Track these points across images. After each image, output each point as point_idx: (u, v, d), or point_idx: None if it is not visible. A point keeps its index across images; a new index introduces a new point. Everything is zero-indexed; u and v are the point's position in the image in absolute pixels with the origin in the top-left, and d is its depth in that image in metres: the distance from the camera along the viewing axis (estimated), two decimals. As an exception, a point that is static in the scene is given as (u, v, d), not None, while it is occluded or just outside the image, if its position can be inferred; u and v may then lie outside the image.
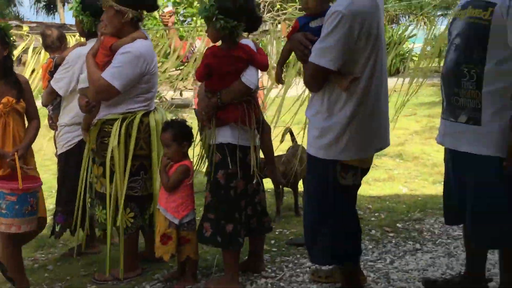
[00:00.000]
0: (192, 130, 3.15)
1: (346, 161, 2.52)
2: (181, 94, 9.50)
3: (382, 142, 2.63)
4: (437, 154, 6.71)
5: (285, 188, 4.44)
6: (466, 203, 2.58)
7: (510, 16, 2.31)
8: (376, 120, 2.56)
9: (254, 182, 3.00)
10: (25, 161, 3.09)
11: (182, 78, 5.10)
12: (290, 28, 2.86)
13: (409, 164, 6.28)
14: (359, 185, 2.69)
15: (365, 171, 2.70)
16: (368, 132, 2.53)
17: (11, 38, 3.09)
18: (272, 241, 3.79)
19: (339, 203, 2.59)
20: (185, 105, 9.98)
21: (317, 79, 2.49)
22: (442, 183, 5.35)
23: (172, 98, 8.54)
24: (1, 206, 2.93)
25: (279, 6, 21.51)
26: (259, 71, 3.03)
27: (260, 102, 3.87)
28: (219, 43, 3.00)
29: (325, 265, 3.05)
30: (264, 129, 3.08)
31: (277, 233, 3.97)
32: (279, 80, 2.85)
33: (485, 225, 2.55)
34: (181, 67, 7.00)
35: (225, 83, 2.87)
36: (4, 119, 3.01)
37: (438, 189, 5.16)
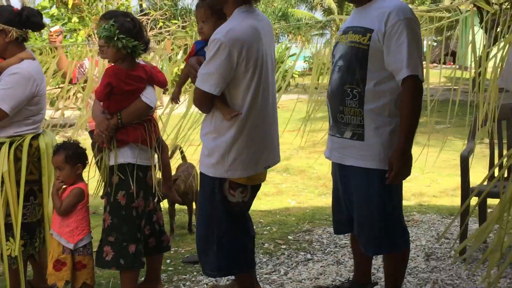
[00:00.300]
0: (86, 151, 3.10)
1: (232, 179, 2.63)
2: (63, 114, 9.16)
3: (270, 160, 2.75)
4: (321, 167, 7.06)
5: (180, 206, 4.47)
6: (353, 213, 2.78)
7: (386, 42, 2.55)
8: (262, 140, 2.68)
9: (155, 200, 3.03)
10: None
11: (63, 97, 4.95)
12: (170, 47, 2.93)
13: (296, 178, 6.55)
14: (250, 201, 2.79)
15: (256, 187, 2.82)
16: (254, 151, 2.64)
17: None
18: (168, 260, 3.79)
19: (227, 219, 2.70)
20: (65, 125, 9.63)
21: (203, 102, 2.61)
22: (328, 195, 5.69)
23: (51, 118, 8.22)
24: None
25: (161, 24, 21.21)
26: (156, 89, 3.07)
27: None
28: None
29: (215, 277, 3.16)
30: (162, 148, 3.11)
31: (172, 252, 3.97)
32: (174, 99, 2.93)
33: (369, 233, 2.76)
34: (61, 85, 6.76)
35: (125, 103, 2.87)
36: None
37: (324, 201, 5.45)
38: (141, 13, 20.84)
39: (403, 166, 2.58)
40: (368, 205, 2.70)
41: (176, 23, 20.36)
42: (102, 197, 3.02)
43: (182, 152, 4.47)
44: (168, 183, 3.27)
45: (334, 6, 27.00)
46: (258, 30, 2.58)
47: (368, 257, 3.06)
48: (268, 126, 2.71)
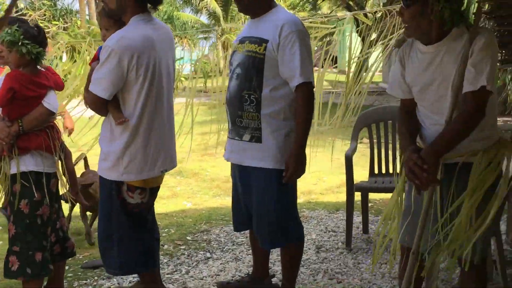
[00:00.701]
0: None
1: (131, 182, 2.71)
2: None
3: (166, 164, 2.82)
4: (213, 169, 7.26)
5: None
6: (252, 210, 2.98)
7: (280, 52, 2.77)
8: (157, 144, 2.75)
9: (57, 207, 3.02)
10: None
11: None
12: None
13: (190, 180, 6.67)
14: (150, 201, 2.87)
15: (155, 190, 2.90)
16: (149, 155, 2.71)
17: None
18: (67, 267, 3.75)
19: (126, 220, 2.77)
20: None
21: (97, 106, 2.69)
22: (222, 196, 5.87)
23: None
24: None
25: (41, 25, 20.42)
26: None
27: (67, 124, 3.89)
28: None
29: (117, 275, 3.28)
30: (66, 154, 3.10)
31: (70, 258, 3.93)
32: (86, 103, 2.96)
33: (266, 228, 2.97)
34: None
35: (26, 110, 2.84)
36: None
37: (219, 202, 5.63)
38: (18, 14, 19.86)
39: (299, 165, 2.81)
40: (266, 203, 2.90)
41: (56, 24, 19.64)
42: (2, 208, 2.96)
43: (85, 160, 4.44)
44: (74, 188, 3.26)
45: (219, 10, 27.32)
46: (151, 38, 2.66)
47: (266, 252, 3.27)
48: (163, 131, 2.78)
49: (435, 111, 2.36)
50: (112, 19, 2.75)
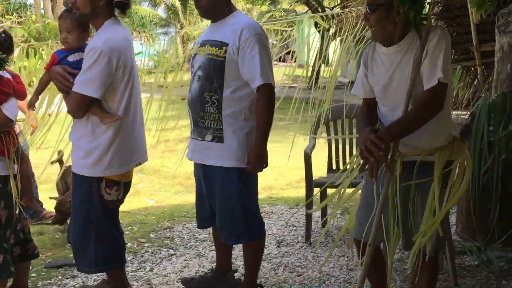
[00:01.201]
0: None
1: (109, 176, 2.84)
2: None
3: (141, 157, 3.01)
4: (174, 166, 7.28)
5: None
6: (215, 208, 3.07)
7: (240, 54, 2.86)
8: (134, 138, 2.93)
9: (16, 211, 3.03)
10: None
11: None
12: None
13: (152, 177, 6.71)
14: (122, 200, 3.00)
15: (127, 185, 3.02)
16: (128, 149, 2.89)
17: None
18: (30, 267, 3.77)
19: (104, 216, 2.90)
20: None
21: (82, 107, 2.76)
22: (184, 193, 5.94)
23: None
24: None
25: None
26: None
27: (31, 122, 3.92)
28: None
29: (91, 273, 3.34)
30: (22, 159, 3.11)
31: (32, 260, 3.94)
32: (31, 106, 3.06)
33: (229, 225, 3.07)
34: None
35: None
36: None
37: (181, 199, 5.70)
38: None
39: (259, 159, 2.94)
40: (229, 199, 3.01)
41: (10, 19, 19.22)
42: None
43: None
44: (28, 193, 3.26)
45: (178, 4, 27.18)
46: (128, 39, 2.85)
47: (229, 247, 3.37)
48: (138, 127, 2.96)
49: (395, 108, 2.52)
50: (77, 22, 2.82)
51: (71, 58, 2.87)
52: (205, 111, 2.96)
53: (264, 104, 2.90)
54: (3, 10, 19.66)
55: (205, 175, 3.09)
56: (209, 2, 2.90)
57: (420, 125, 2.43)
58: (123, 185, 2.94)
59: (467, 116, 4.25)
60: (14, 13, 19.88)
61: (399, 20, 2.42)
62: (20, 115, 3.84)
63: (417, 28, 2.45)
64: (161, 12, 30.05)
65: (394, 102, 2.52)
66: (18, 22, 17.36)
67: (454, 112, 9.67)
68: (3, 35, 2.92)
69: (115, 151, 2.83)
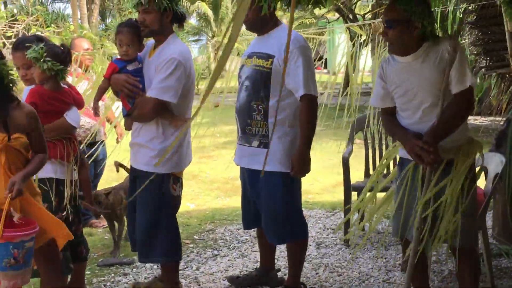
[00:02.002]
0: None
1: (176, 173, 3.14)
2: None
3: (191, 156, 3.34)
4: (212, 171, 7.54)
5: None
6: (261, 210, 3.26)
7: (287, 66, 3.04)
8: (189, 139, 3.29)
9: (63, 214, 3.21)
10: (23, 199, 2.63)
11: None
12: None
13: (191, 182, 6.92)
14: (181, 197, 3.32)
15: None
16: (187, 149, 3.23)
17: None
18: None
19: (171, 210, 3.22)
20: None
21: (158, 112, 3.06)
22: (223, 197, 6.14)
23: None
24: None
25: (35, 30, 20.48)
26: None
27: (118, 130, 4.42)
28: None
29: (161, 263, 3.40)
30: (82, 164, 3.34)
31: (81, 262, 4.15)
32: (95, 113, 3.26)
33: (275, 226, 3.25)
34: None
35: (47, 121, 3.09)
36: None
37: (221, 203, 5.91)
38: (11, 19, 19.99)
39: (303, 164, 3.13)
40: (274, 202, 3.19)
41: (49, 29, 19.80)
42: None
43: (123, 166, 4.42)
44: (87, 198, 3.47)
45: (210, 12, 27.55)
46: (189, 51, 3.17)
47: (272, 247, 3.55)
48: (189, 129, 3.36)
49: (416, 111, 2.75)
50: (136, 35, 3.11)
51: (130, 67, 3.14)
52: (252, 118, 3.15)
53: (307, 112, 3.09)
54: (42, 21, 20.26)
55: (251, 179, 3.28)
56: (257, 17, 3.09)
57: (458, 125, 2.68)
58: (181, 182, 3.25)
59: (501, 123, 4.35)
60: (53, 24, 20.45)
61: (416, 33, 2.61)
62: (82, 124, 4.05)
63: (434, 39, 2.68)
64: (193, 20, 30.51)
65: (415, 106, 2.74)
66: (57, 33, 17.88)
67: (489, 118, 9.68)
68: (60, 47, 3.13)
69: (181, 150, 3.16)
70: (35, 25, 20.35)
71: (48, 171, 3.11)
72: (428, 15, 2.65)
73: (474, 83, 2.70)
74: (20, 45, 3.22)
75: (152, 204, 3.15)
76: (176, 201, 3.24)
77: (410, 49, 2.69)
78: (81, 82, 4.53)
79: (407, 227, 2.76)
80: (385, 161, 3.28)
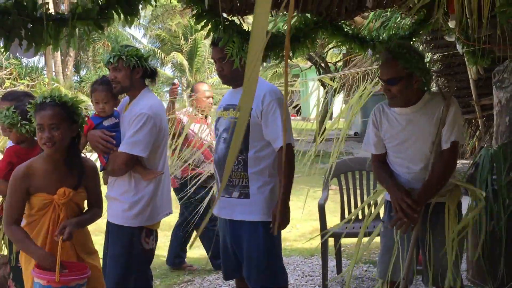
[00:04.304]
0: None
1: (149, 225, 3.17)
2: None
3: (169, 207, 3.39)
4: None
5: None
6: (242, 259, 3.25)
7: (263, 117, 3.11)
8: (167, 190, 3.32)
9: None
10: (74, 243, 2.71)
11: None
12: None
13: (168, 233, 6.87)
14: (154, 250, 3.29)
15: (156, 234, 3.33)
16: (163, 200, 3.27)
17: (81, 116, 2.72)
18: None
19: (142, 263, 3.21)
20: None
21: (129, 166, 3.12)
22: (200, 247, 6.09)
23: None
24: None
25: (8, 84, 20.43)
26: None
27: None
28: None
29: None
30: None
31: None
32: None
33: (257, 274, 3.22)
34: None
35: None
36: (57, 210, 2.63)
37: (199, 253, 5.87)
38: (-15, 72, 19.95)
39: (284, 218, 3.13)
40: (256, 251, 3.18)
41: (23, 83, 19.79)
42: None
43: None
44: None
45: (185, 62, 27.95)
46: (163, 105, 3.30)
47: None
48: (167, 180, 3.36)
49: (411, 161, 2.91)
50: (111, 93, 3.21)
51: (106, 123, 3.22)
52: (232, 170, 3.18)
53: (286, 163, 3.14)
54: (16, 74, 20.25)
55: (232, 229, 3.26)
56: (231, 71, 3.16)
57: (447, 179, 2.86)
58: (155, 233, 3.26)
59: (470, 167, 4.49)
60: (27, 77, 20.48)
61: (417, 86, 2.78)
62: None
63: (432, 93, 2.90)
64: (167, 70, 30.87)
65: (411, 155, 2.91)
66: (31, 86, 17.87)
67: (461, 161, 9.92)
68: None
69: (155, 203, 3.18)
70: (9, 78, 20.36)
71: None
72: (427, 69, 2.86)
73: (461, 137, 2.89)
74: (10, 96, 3.34)
75: (122, 257, 3.18)
76: (148, 254, 3.23)
77: (412, 101, 2.86)
78: (201, 126, 4.85)
79: (397, 270, 2.86)
80: (362, 204, 3.41)
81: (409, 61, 2.76)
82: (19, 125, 3.04)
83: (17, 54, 2.13)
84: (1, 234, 3.18)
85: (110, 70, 3.25)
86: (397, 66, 2.80)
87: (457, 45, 3.89)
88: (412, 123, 2.86)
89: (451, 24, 3.27)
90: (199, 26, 2.64)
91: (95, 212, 2.82)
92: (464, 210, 3.47)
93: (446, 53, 4.87)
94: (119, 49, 3.24)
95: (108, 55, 3.26)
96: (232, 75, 3.21)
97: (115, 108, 3.30)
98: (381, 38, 3.39)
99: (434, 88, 4.56)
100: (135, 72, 3.22)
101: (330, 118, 5.95)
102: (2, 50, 2.08)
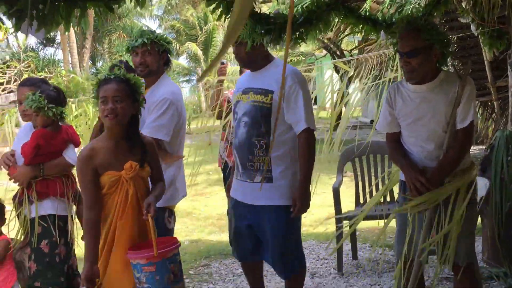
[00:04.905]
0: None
1: (170, 206, 3.26)
2: None
3: (185, 190, 3.47)
4: (206, 208, 7.60)
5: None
6: (263, 243, 3.23)
7: (286, 101, 3.07)
8: (183, 174, 3.44)
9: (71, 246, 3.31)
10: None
11: None
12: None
13: (185, 219, 6.98)
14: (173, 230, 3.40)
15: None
16: (179, 184, 3.36)
17: (142, 94, 2.75)
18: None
19: None
20: None
21: None
22: (217, 232, 6.17)
23: None
24: (141, 280, 2.51)
25: (27, 76, 20.84)
26: None
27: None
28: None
29: None
30: (80, 201, 3.40)
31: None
32: None
33: (283, 259, 3.20)
34: None
35: (47, 160, 3.20)
36: (126, 186, 2.63)
37: (215, 238, 5.95)
38: (3, 64, 20.23)
39: (304, 202, 3.09)
40: (282, 236, 3.15)
41: (41, 75, 20.02)
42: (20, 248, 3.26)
43: None
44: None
45: (200, 53, 27.97)
46: (181, 91, 3.35)
47: (262, 281, 3.54)
48: (183, 165, 3.46)
49: (425, 139, 2.90)
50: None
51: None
52: (254, 154, 3.13)
53: (306, 146, 3.09)
54: (33, 67, 20.48)
55: (254, 214, 3.21)
56: (248, 54, 3.12)
57: (462, 159, 2.86)
58: (174, 215, 3.37)
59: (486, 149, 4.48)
60: (44, 69, 20.70)
61: (436, 59, 2.77)
62: None
63: (447, 72, 2.88)
64: (183, 61, 30.94)
65: (425, 133, 2.89)
66: (48, 78, 18.08)
67: (477, 147, 9.84)
68: (53, 89, 3.25)
69: (175, 185, 3.27)
70: (27, 71, 20.59)
71: (48, 208, 3.21)
72: (447, 42, 2.82)
73: (476, 118, 2.90)
74: (28, 82, 3.41)
75: None
76: (169, 234, 3.30)
77: (429, 78, 2.83)
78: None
79: (412, 250, 2.88)
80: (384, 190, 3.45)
81: (429, 32, 2.73)
82: (46, 109, 3.11)
83: (28, 33, 2.17)
84: (21, 219, 3.25)
85: (136, 54, 3.28)
86: (417, 37, 2.74)
87: (471, 26, 3.87)
88: (426, 100, 2.84)
89: (464, 3, 3.25)
90: (213, 15, 2.65)
91: (162, 186, 2.83)
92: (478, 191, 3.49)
93: (460, 34, 4.83)
94: (149, 33, 3.30)
95: (137, 39, 3.26)
96: (249, 57, 3.18)
97: None
98: (394, 19, 3.38)
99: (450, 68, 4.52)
100: (162, 57, 3.32)
101: (345, 105, 5.94)
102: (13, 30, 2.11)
